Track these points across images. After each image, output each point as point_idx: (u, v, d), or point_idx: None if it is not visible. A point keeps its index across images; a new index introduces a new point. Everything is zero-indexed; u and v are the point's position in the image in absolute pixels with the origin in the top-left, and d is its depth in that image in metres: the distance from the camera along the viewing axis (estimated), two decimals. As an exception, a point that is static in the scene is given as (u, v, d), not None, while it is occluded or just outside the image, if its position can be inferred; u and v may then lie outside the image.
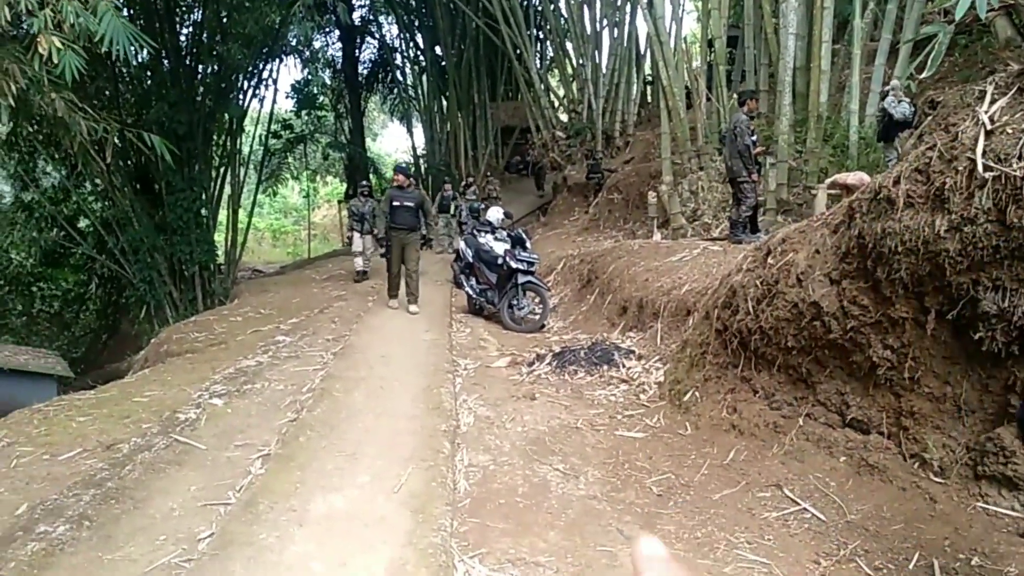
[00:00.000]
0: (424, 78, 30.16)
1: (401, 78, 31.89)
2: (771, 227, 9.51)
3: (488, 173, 23.11)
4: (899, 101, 8.55)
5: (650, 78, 22.33)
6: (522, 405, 5.75)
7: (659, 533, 3.74)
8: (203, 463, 4.59)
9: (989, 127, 3.14)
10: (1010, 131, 3.09)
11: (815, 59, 10.25)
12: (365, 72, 30.90)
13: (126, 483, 4.28)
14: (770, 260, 4.63)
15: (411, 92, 31.87)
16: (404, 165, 10.27)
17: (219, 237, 17.21)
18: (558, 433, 5.16)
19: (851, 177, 7.83)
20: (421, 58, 30.06)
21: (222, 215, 17.58)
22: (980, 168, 3.10)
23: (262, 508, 3.81)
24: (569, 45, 23.72)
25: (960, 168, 3.21)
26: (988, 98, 3.26)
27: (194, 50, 15.28)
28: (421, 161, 30.47)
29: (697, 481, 4.29)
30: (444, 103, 29.32)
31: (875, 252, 3.68)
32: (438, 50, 28.56)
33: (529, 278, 8.66)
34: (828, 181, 8.05)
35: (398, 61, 31.56)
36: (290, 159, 28.95)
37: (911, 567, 3.13)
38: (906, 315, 3.64)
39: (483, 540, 3.65)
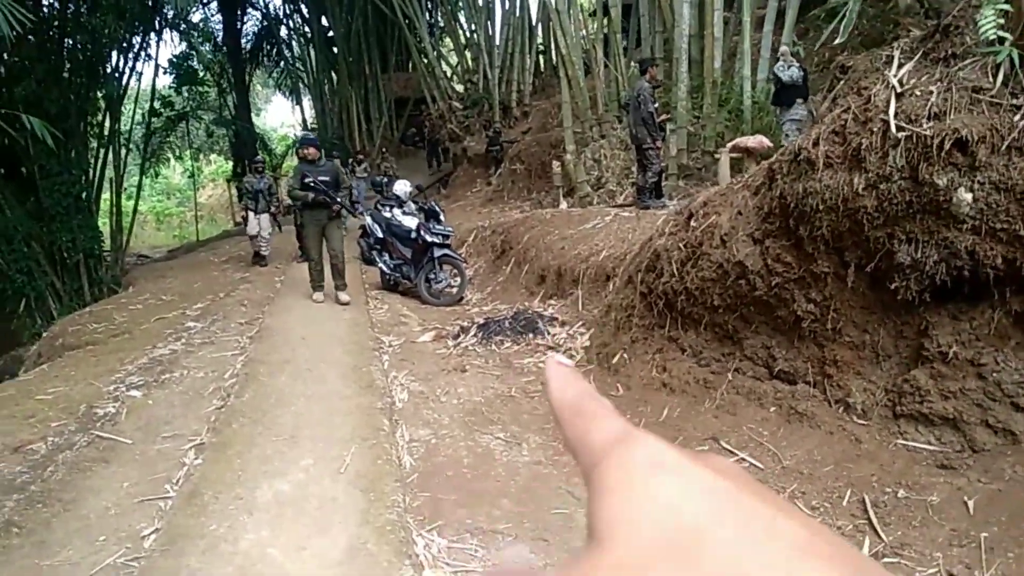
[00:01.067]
0: (312, 50, 29.25)
1: (288, 51, 30.83)
2: (674, 192, 9.84)
3: (384, 148, 22.66)
4: (788, 66, 8.97)
5: (542, 48, 22.45)
6: (454, 378, 5.78)
7: (607, 492, 3.87)
8: (132, 458, 4.41)
9: (899, 90, 3.36)
10: (918, 93, 3.31)
11: (708, 26, 10.60)
12: (249, 45, 29.63)
13: (50, 485, 4.08)
14: (693, 223, 4.80)
15: (299, 65, 30.87)
16: (312, 136, 9.18)
17: (102, 222, 16.27)
18: (494, 403, 5.23)
19: (751, 140, 8.19)
20: (307, 29, 29.12)
21: (104, 199, 16.64)
22: (893, 129, 3.32)
23: (207, 499, 3.71)
24: (461, 15, 23.47)
25: (874, 129, 3.42)
26: (896, 63, 3.47)
27: (58, 23, 14.23)
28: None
29: (636, 439, 4.44)
30: (334, 75, 28.57)
31: (797, 211, 3.88)
32: (325, 20, 27.72)
33: (445, 251, 8.64)
34: (730, 145, 8.38)
35: (283, 33, 30.48)
36: (172, 138, 27.54)
37: (844, 503, 3.37)
38: (827, 270, 3.87)
39: (438, 513, 3.69)
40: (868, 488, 3.39)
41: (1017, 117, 3.05)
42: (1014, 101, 3.09)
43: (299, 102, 32.65)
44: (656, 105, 8.93)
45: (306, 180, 8.05)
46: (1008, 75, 3.12)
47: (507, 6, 20.91)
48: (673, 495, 0.25)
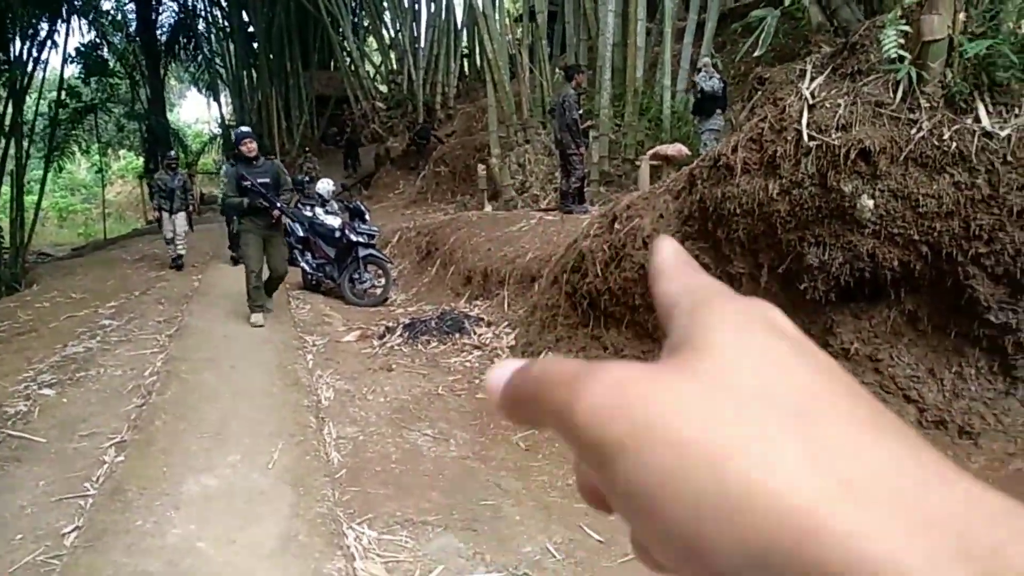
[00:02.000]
0: (231, 45, 28.56)
1: (206, 45, 29.99)
2: (596, 197, 10.08)
3: (307, 148, 22.25)
4: (710, 76, 9.32)
5: (467, 51, 22.56)
6: (380, 376, 5.80)
7: (533, 484, 3.99)
8: (46, 457, 4.27)
9: (811, 102, 3.60)
10: (828, 105, 3.56)
11: (631, 36, 10.90)
12: (164, 37, 28.64)
13: (-41, 485, 3.94)
14: (616, 226, 4.98)
15: (217, 60, 30.08)
16: (248, 129, 7.74)
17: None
18: (421, 400, 5.28)
19: (670, 148, 8.48)
20: (227, 24, 28.44)
21: (3, 193, 15.92)
22: (805, 138, 3.55)
23: (131, 495, 3.64)
24: (387, 15, 23.38)
25: (788, 138, 3.65)
26: (808, 76, 3.72)
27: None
28: (231, 132, 28.82)
29: (560, 434, 4.58)
30: (254, 71, 27.97)
31: (715, 215, 4.09)
32: (245, 15, 27.12)
33: (370, 251, 8.61)
34: (650, 152, 8.65)
35: (202, 27, 29.63)
36: (79, 131, 26.32)
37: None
38: (743, 270, 4.09)
39: (367, 506, 3.72)
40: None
41: (913, 131, 3.32)
42: (911, 116, 3.36)
43: (216, 98, 31.81)
44: (580, 112, 9.13)
45: (243, 183, 7.02)
46: (907, 91, 3.39)
47: (432, 8, 20.97)
48: (789, 357, 0.23)
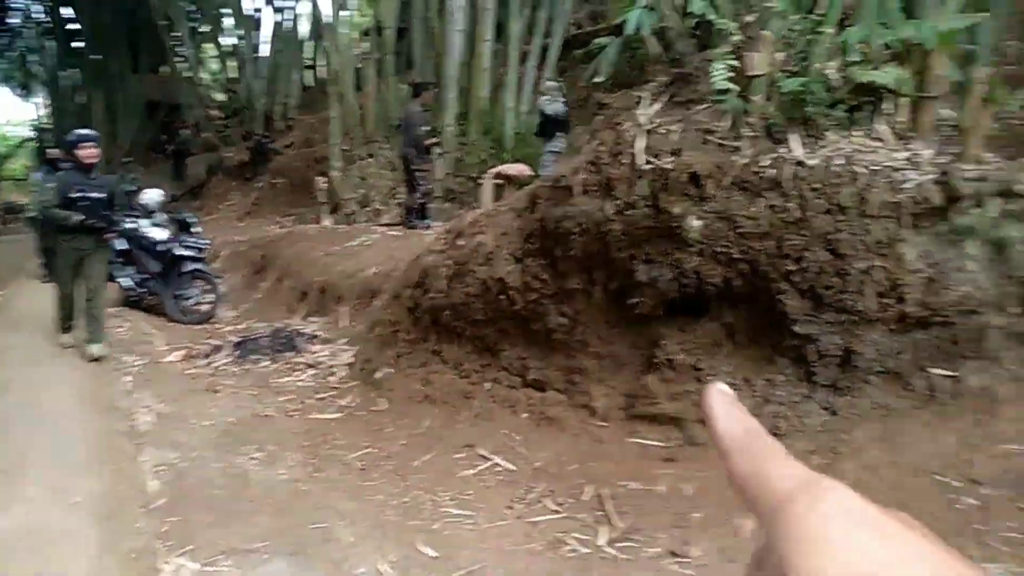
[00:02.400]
0: (51, 41, 26.33)
1: (20, 39, 27.48)
2: (439, 214, 10.11)
3: (131, 155, 20.79)
4: (553, 100, 9.62)
5: (310, 62, 22.03)
6: (205, 399, 5.48)
7: (368, 504, 3.88)
8: None
9: (647, 128, 3.80)
10: (663, 131, 3.77)
11: (477, 56, 11.08)
12: (-31, 30, 25.96)
13: None
14: (460, 241, 5.01)
15: (33, 56, 27.64)
16: (92, 132, 6.59)
17: None
18: (249, 423, 5.03)
19: (512, 168, 8.68)
20: (47, 18, 26.19)
21: None
22: (640, 162, 3.73)
23: None
24: (227, 20, 22.43)
25: (624, 162, 3.83)
26: (645, 103, 3.92)
27: None
28: (43, 136, 26.49)
29: (397, 451, 4.50)
30: (76, 71, 25.90)
31: (555, 233, 4.21)
32: (70, 11, 25.08)
33: (198, 266, 8.15)
34: (493, 171, 8.80)
35: (17, 20, 27.13)
36: None
37: (586, 499, 3.66)
38: (578, 287, 4.23)
39: (188, 536, 3.47)
40: (606, 483, 3.71)
41: (736, 157, 3.57)
42: (736, 143, 3.62)
43: (31, 98, 29.20)
44: (426, 128, 9.16)
45: (71, 196, 6.01)
46: (735, 120, 3.65)
47: (277, 17, 20.35)
48: (879, 555, 0.26)
